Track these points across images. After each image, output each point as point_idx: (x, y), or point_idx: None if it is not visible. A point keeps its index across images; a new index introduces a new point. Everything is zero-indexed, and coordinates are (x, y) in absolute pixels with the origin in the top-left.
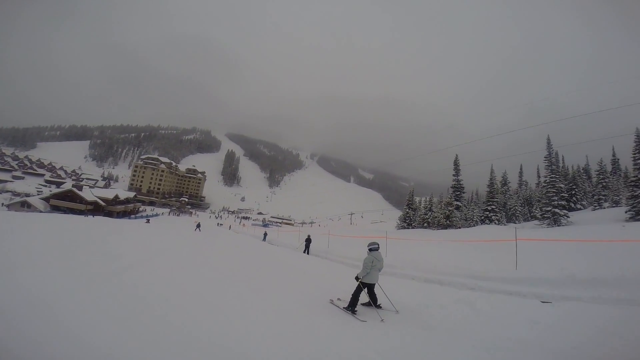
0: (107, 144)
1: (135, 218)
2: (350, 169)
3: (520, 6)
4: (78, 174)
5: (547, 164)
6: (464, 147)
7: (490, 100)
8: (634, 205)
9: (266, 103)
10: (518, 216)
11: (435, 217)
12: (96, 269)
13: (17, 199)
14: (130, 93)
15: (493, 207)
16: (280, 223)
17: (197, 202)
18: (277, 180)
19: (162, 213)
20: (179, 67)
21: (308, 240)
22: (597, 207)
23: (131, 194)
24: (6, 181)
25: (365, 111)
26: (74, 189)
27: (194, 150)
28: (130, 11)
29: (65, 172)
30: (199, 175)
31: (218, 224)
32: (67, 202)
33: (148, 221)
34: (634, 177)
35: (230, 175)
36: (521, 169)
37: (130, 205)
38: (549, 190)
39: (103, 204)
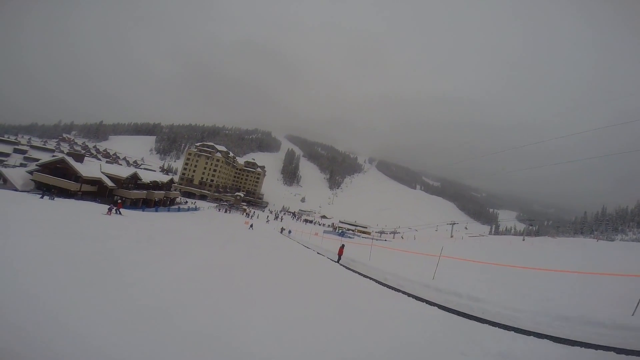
0: (171, 138)
1: (168, 210)
2: (412, 175)
3: (523, 10)
4: (139, 163)
5: None
6: None
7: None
8: None
9: (324, 106)
10: None
11: None
12: None
13: None
14: (200, 95)
15: None
16: (353, 231)
17: (254, 200)
18: (338, 182)
19: (207, 207)
20: (246, 71)
21: None
22: None
23: (165, 178)
24: None
25: (421, 109)
26: (67, 158)
27: (255, 149)
28: (203, 17)
29: (127, 161)
30: (259, 169)
31: (282, 228)
32: (56, 177)
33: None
34: None
35: (290, 174)
36: None
37: (161, 193)
38: None
39: (111, 184)
